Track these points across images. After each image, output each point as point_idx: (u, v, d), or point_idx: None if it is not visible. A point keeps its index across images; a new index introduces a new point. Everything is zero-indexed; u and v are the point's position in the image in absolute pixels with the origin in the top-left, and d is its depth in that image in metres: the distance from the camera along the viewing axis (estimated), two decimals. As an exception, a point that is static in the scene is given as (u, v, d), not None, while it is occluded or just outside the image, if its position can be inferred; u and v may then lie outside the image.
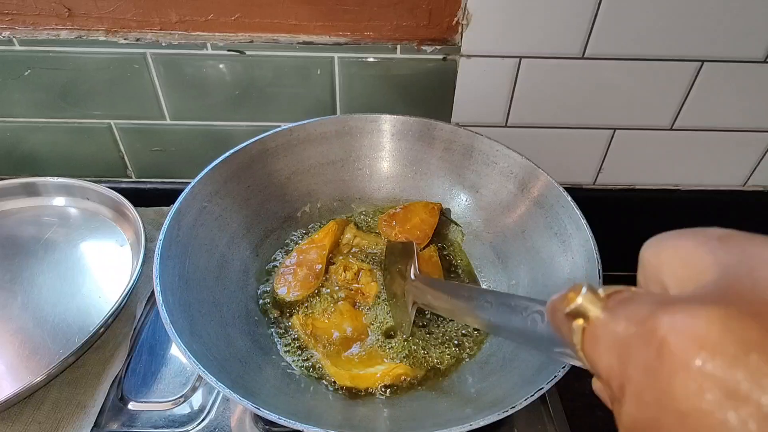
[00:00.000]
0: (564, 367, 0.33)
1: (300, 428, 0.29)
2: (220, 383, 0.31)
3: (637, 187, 0.70)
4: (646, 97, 0.60)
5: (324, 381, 0.41)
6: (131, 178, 0.70)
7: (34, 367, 0.45)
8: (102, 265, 0.55)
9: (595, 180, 0.69)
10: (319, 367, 0.42)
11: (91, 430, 0.42)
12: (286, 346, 0.44)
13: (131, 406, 0.45)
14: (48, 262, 0.54)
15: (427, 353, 0.43)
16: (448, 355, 0.43)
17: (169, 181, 0.70)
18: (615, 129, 0.64)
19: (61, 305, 0.50)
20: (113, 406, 0.45)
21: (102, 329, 0.46)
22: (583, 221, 0.44)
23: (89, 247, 0.57)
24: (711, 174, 0.68)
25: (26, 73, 0.59)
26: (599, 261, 0.41)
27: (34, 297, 0.51)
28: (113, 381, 0.46)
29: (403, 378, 0.40)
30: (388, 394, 0.40)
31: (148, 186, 0.70)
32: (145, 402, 0.45)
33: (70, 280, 0.53)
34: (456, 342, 0.44)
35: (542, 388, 0.32)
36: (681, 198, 0.70)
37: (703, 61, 0.57)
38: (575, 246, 0.43)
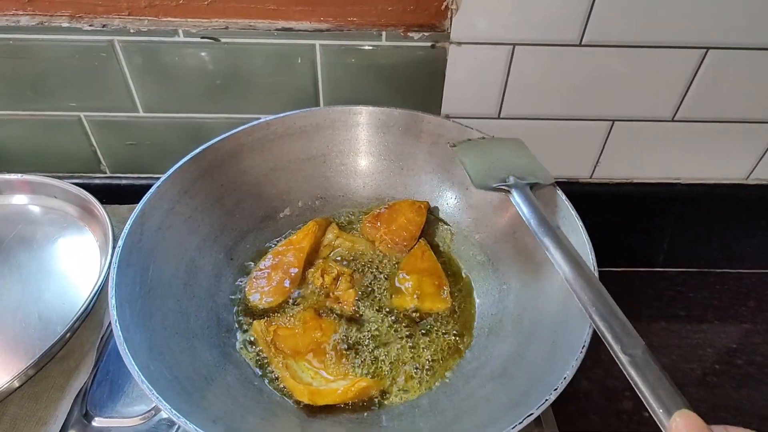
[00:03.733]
0: (556, 389, 0.30)
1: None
2: (174, 411, 0.28)
3: (636, 180, 0.67)
4: (646, 87, 0.57)
5: (289, 395, 0.38)
6: (106, 173, 0.67)
7: (-10, 381, 0.42)
8: (68, 268, 0.52)
9: (592, 174, 0.66)
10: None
11: (51, 449, 0.40)
12: (257, 357, 0.41)
13: (96, 422, 0.42)
14: (10, 266, 0.51)
15: (396, 367, 0.40)
16: (425, 367, 0.40)
17: (145, 177, 0.66)
18: (614, 120, 0.60)
19: (21, 313, 0.47)
20: (76, 422, 0.42)
21: (68, 334, 0.43)
22: (578, 222, 0.41)
23: (55, 248, 0.54)
24: (713, 167, 0.65)
25: (-14, 63, 0.55)
26: (596, 266, 0.38)
27: (-7, 304, 0.48)
28: (77, 394, 0.43)
29: (368, 393, 0.38)
30: (352, 413, 0.37)
31: (124, 182, 0.67)
32: (110, 418, 0.42)
33: (33, 285, 0.49)
34: (431, 356, 0.41)
35: (531, 414, 0.29)
36: (681, 192, 0.67)
37: (708, 49, 0.54)
38: (570, 249, 0.40)
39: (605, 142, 0.63)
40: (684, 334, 0.63)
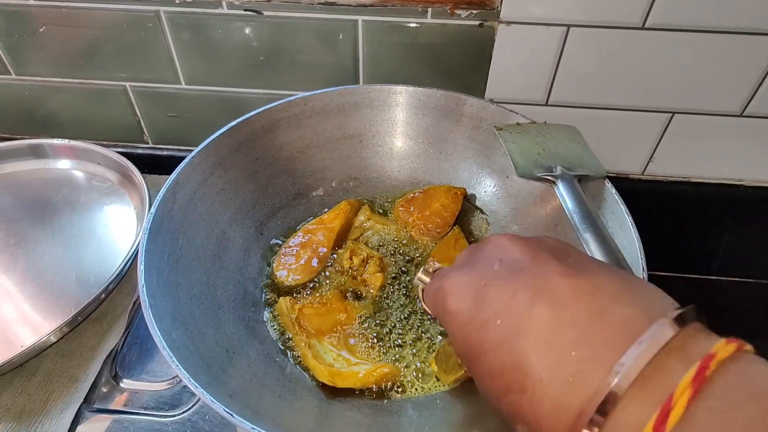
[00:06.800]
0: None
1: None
2: (192, 380, 0.28)
3: (693, 180, 0.62)
4: (714, 77, 0.52)
5: (310, 375, 0.38)
6: (148, 143, 0.68)
7: (28, 335, 0.43)
8: (107, 233, 0.53)
9: (644, 170, 0.62)
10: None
11: (80, 406, 0.41)
12: (281, 334, 0.40)
13: (124, 383, 0.43)
14: (53, 227, 0.53)
15: (419, 356, 0.39)
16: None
17: (185, 149, 0.67)
18: (674, 113, 0.56)
19: (61, 273, 0.48)
20: (106, 383, 0.43)
21: (103, 296, 0.44)
22: (628, 218, 0.38)
23: (95, 213, 0.55)
24: (782, 170, 0.60)
25: (41, 30, 0.57)
26: (645, 265, 0.35)
27: (36, 263, 0.49)
28: (108, 355, 0.44)
29: (389, 379, 0.36)
30: (372, 399, 0.36)
31: (165, 153, 0.68)
32: (138, 380, 0.43)
33: (73, 247, 0.51)
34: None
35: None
36: (744, 195, 0.62)
37: (790, 36, 0.48)
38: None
39: (662, 136, 0.58)
40: (735, 348, 0.58)
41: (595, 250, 0.34)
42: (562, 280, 0.22)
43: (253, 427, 0.26)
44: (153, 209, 0.37)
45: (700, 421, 0.17)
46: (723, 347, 0.18)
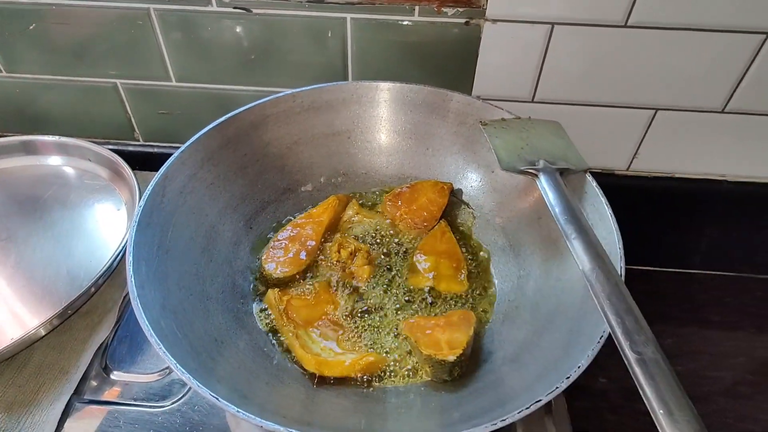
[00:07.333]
0: (568, 377, 0.28)
1: (256, 423, 0.26)
2: (180, 367, 0.28)
3: (677, 175, 0.63)
4: (696, 74, 0.53)
5: (297, 364, 0.38)
6: (139, 141, 0.68)
7: (18, 328, 0.44)
8: (97, 228, 0.54)
9: (629, 166, 0.63)
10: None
11: (71, 397, 0.41)
12: (267, 325, 0.41)
13: (114, 375, 0.44)
14: (44, 223, 0.53)
15: (404, 345, 0.39)
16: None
17: (176, 146, 0.67)
18: (657, 109, 0.57)
19: (52, 268, 0.49)
20: (96, 375, 0.44)
21: (92, 289, 0.45)
22: (608, 210, 0.39)
23: (86, 209, 0.56)
24: (763, 165, 0.61)
25: (31, 27, 0.57)
26: (623, 256, 0.36)
27: (26, 258, 0.50)
28: (99, 348, 0.45)
29: (374, 368, 0.37)
30: (358, 387, 0.37)
31: (156, 150, 0.68)
32: (128, 373, 0.44)
33: (64, 243, 0.51)
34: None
35: (540, 400, 0.28)
36: (726, 191, 0.63)
37: None
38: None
39: (646, 133, 0.59)
40: (716, 341, 0.59)
41: (573, 240, 0.35)
42: None
43: (239, 410, 0.27)
44: (142, 201, 0.38)
45: None
46: None
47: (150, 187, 0.39)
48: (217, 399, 0.27)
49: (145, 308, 0.31)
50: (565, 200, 0.38)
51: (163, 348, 0.29)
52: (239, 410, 0.27)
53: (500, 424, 0.27)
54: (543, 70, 0.55)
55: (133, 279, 0.33)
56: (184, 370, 0.28)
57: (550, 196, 0.39)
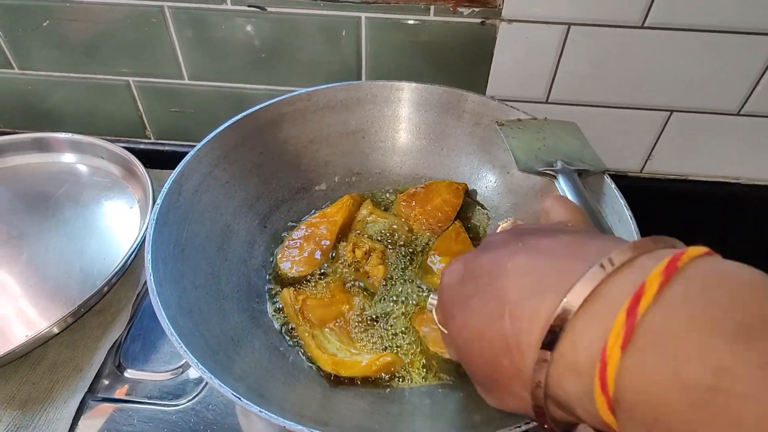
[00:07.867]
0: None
1: (278, 423, 0.26)
2: (200, 366, 0.28)
3: (691, 178, 0.63)
4: (712, 76, 0.53)
5: (313, 364, 0.38)
6: (150, 139, 0.68)
7: (32, 326, 0.43)
8: (110, 226, 0.53)
9: (643, 167, 0.63)
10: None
11: (85, 395, 0.41)
12: (283, 324, 0.41)
13: (128, 373, 0.44)
14: (57, 220, 0.53)
15: (419, 346, 0.39)
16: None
17: (188, 144, 0.68)
18: (672, 111, 0.57)
19: (64, 266, 0.49)
20: (110, 373, 0.44)
21: (106, 288, 0.44)
22: (628, 212, 0.39)
23: (98, 206, 0.56)
24: (778, 168, 0.60)
25: (44, 24, 0.57)
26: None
27: (39, 255, 0.50)
28: (112, 346, 0.45)
29: (391, 368, 0.37)
30: (374, 387, 0.37)
31: (167, 148, 0.68)
32: (142, 371, 0.44)
33: (77, 241, 0.51)
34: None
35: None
36: (740, 193, 0.63)
37: (787, 36, 0.49)
38: (616, 240, 0.38)
39: (660, 134, 0.59)
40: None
41: None
42: (540, 240, 0.24)
43: (261, 410, 0.26)
44: (159, 200, 0.38)
45: (672, 301, 0.17)
46: (694, 248, 0.19)
47: (167, 186, 0.39)
48: (239, 398, 0.27)
49: (165, 306, 0.31)
50: (585, 202, 0.38)
51: (184, 346, 0.29)
52: (261, 410, 0.27)
53: (524, 427, 0.27)
54: (558, 70, 0.54)
55: (152, 277, 0.32)
56: (205, 369, 0.28)
57: (569, 197, 0.39)
